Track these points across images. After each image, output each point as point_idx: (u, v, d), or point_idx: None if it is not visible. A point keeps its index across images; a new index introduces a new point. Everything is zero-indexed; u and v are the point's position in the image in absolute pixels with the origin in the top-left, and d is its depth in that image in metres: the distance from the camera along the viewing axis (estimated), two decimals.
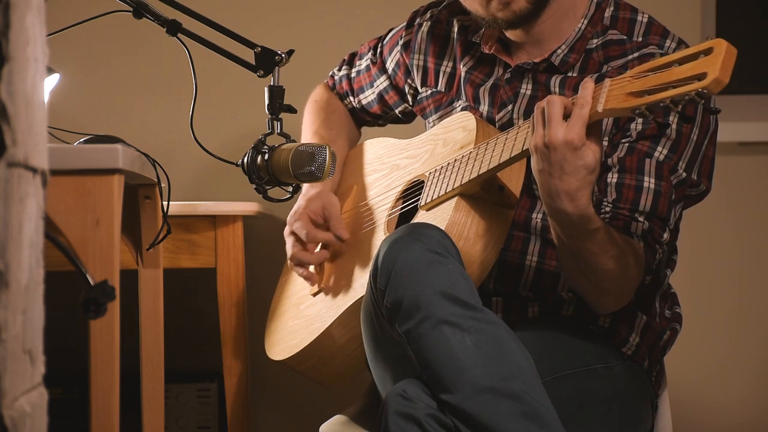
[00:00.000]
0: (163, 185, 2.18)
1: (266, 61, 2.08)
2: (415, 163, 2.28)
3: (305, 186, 2.38)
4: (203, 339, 3.20)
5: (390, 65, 2.45)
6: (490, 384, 1.82)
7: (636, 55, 2.15)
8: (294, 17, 3.26)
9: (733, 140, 3.24)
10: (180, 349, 3.14)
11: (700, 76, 1.72)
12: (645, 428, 2.17)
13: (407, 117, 2.52)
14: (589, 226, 1.92)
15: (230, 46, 2.09)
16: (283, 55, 2.08)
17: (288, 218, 2.36)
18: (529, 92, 2.21)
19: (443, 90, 2.34)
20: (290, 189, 2.09)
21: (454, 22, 2.35)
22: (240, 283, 2.78)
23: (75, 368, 2.63)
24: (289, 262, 2.37)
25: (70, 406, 3.01)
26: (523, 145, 1.96)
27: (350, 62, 2.56)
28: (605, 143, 2.11)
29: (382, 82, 2.48)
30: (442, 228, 2.01)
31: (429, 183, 2.17)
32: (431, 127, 2.34)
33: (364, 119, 2.57)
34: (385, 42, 2.48)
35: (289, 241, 2.35)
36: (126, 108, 3.25)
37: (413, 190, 2.25)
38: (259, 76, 2.09)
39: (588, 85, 1.86)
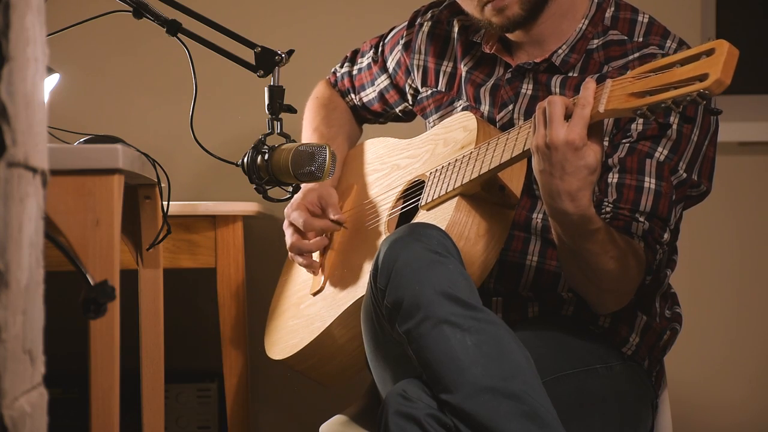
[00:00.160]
0: (163, 185, 2.18)
1: (266, 61, 2.08)
2: (416, 162, 2.28)
3: None
4: (203, 339, 3.20)
5: (391, 64, 2.46)
6: (490, 384, 1.82)
7: (637, 55, 2.15)
8: (294, 17, 3.26)
9: (733, 140, 3.24)
10: (180, 349, 3.14)
11: (702, 77, 1.72)
12: (645, 428, 2.17)
13: (407, 116, 2.52)
14: (589, 226, 1.92)
15: (230, 46, 2.09)
16: (283, 55, 2.08)
17: (285, 211, 2.36)
18: (529, 92, 2.21)
19: (444, 90, 2.34)
20: (290, 189, 2.09)
21: (455, 22, 2.35)
22: (240, 283, 2.78)
23: (75, 368, 2.63)
24: (289, 252, 2.37)
25: (70, 406, 3.01)
26: (524, 145, 1.96)
27: (352, 59, 2.56)
28: (606, 143, 2.11)
29: (382, 81, 2.48)
30: (443, 228, 2.01)
31: (429, 183, 2.17)
32: (432, 127, 2.34)
33: (365, 117, 2.58)
34: (386, 41, 2.48)
35: (288, 233, 2.35)
36: (126, 108, 3.25)
37: (414, 189, 2.25)
38: (259, 76, 2.09)
39: (589, 85, 1.86)
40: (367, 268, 2.19)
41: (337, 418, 2.23)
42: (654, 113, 1.77)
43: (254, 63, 2.08)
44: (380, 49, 2.49)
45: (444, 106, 2.33)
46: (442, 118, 2.31)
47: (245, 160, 2.04)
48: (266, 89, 2.07)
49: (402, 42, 2.42)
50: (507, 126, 2.21)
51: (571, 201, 1.88)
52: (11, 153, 1.05)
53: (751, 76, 3.37)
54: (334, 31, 3.24)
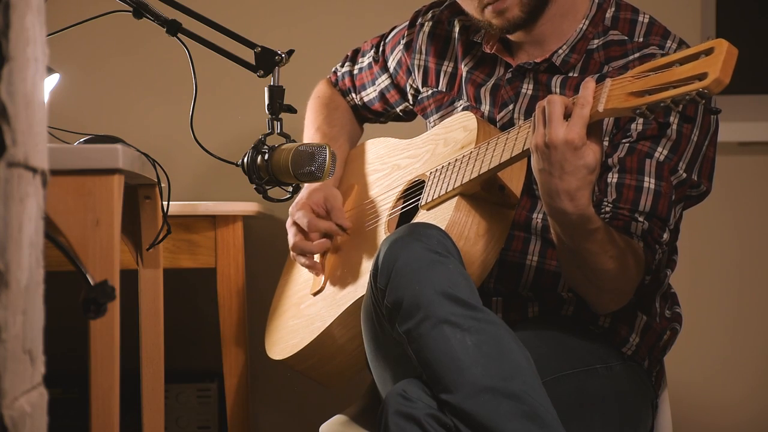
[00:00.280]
0: (163, 185, 2.18)
1: (266, 61, 2.08)
2: (416, 162, 2.28)
3: None
4: (203, 339, 3.20)
5: (391, 64, 2.46)
6: (490, 384, 1.82)
7: (637, 55, 2.15)
8: (294, 17, 3.26)
9: (733, 140, 3.24)
10: (180, 349, 3.14)
11: (701, 76, 1.72)
12: (645, 428, 2.17)
13: (408, 116, 2.52)
14: (588, 225, 1.92)
15: (230, 46, 2.09)
16: (283, 55, 2.08)
17: (290, 209, 2.36)
18: (530, 92, 2.22)
19: (444, 90, 2.34)
20: (290, 189, 2.09)
21: (456, 22, 2.35)
22: (240, 283, 2.78)
23: (75, 368, 2.63)
24: (291, 252, 2.37)
25: (70, 406, 3.01)
26: (524, 144, 1.96)
27: (353, 59, 2.56)
28: (606, 143, 2.11)
29: (383, 81, 2.48)
30: (443, 228, 2.01)
31: (430, 183, 2.17)
32: (432, 127, 2.34)
33: (365, 116, 2.58)
34: (387, 40, 2.48)
35: (291, 232, 2.35)
36: (126, 108, 3.25)
37: (414, 189, 2.25)
38: (259, 76, 2.09)
39: (589, 84, 1.86)
40: (367, 268, 2.19)
41: (337, 418, 2.23)
42: (653, 112, 1.77)
43: (254, 63, 2.08)
44: (381, 48, 2.49)
45: (444, 106, 2.33)
46: (442, 118, 2.31)
47: (245, 160, 2.04)
48: (266, 89, 2.07)
49: (403, 42, 2.42)
50: (507, 126, 2.21)
51: (570, 200, 1.88)
52: (11, 153, 1.05)
53: (751, 76, 3.37)
54: (334, 31, 3.24)
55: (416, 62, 2.39)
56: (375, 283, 1.97)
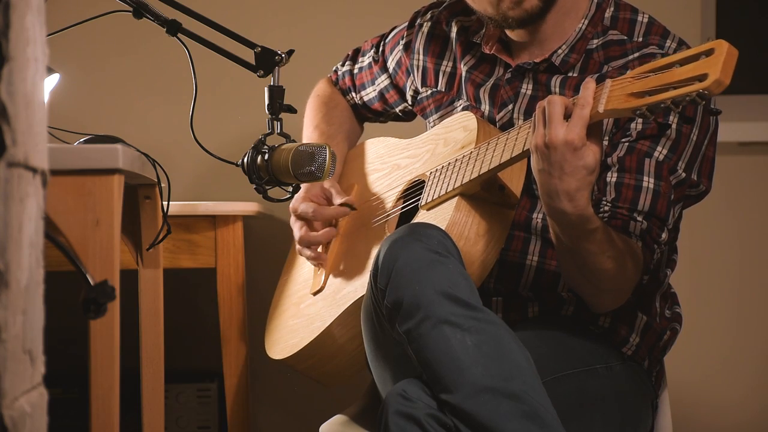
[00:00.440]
0: (163, 185, 2.18)
1: (266, 61, 2.08)
2: (416, 162, 2.28)
3: None
4: (203, 339, 3.20)
5: (391, 64, 2.46)
6: (490, 384, 1.82)
7: (636, 55, 2.15)
8: (294, 17, 3.26)
9: (733, 140, 3.24)
10: (180, 349, 3.14)
11: (701, 77, 1.72)
12: (645, 428, 2.17)
13: (407, 116, 2.52)
14: (587, 226, 1.92)
15: (230, 46, 2.09)
16: (283, 55, 2.08)
17: (291, 206, 2.36)
18: (529, 92, 2.22)
19: (443, 90, 2.34)
20: (290, 189, 2.09)
21: (454, 23, 2.35)
22: (240, 283, 2.78)
23: (75, 368, 2.63)
24: (297, 246, 2.37)
25: (70, 406, 3.01)
26: (524, 145, 1.96)
27: (353, 58, 2.56)
28: (605, 143, 2.11)
29: (383, 81, 2.48)
30: (443, 228, 2.01)
31: (430, 183, 2.17)
32: (432, 127, 2.34)
33: (365, 116, 2.58)
34: (387, 40, 2.48)
35: (296, 226, 2.36)
36: (126, 108, 3.25)
37: (414, 189, 2.25)
38: (259, 76, 2.09)
39: (589, 85, 1.86)
40: (367, 267, 2.19)
41: (337, 418, 2.23)
42: (653, 113, 1.77)
43: (254, 63, 2.08)
44: (381, 48, 2.49)
45: (444, 106, 2.33)
46: (442, 118, 2.31)
47: (245, 160, 2.04)
48: (266, 89, 2.07)
49: (402, 42, 2.42)
50: (507, 126, 2.21)
51: (569, 201, 1.88)
52: (11, 153, 1.05)
53: (751, 76, 3.37)
54: (334, 31, 3.24)
55: (415, 62, 2.39)
56: (375, 283, 1.97)
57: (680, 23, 2.89)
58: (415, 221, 2.15)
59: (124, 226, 2.00)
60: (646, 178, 2.06)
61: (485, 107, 2.25)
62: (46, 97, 1.86)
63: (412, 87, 2.42)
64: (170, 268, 2.66)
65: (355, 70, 2.54)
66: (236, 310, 2.78)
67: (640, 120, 2.07)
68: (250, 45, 2.08)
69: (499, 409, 1.80)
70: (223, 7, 3.20)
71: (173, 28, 2.09)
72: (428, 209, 2.15)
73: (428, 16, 2.40)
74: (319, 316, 2.28)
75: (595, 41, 2.19)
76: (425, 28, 2.39)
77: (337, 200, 2.33)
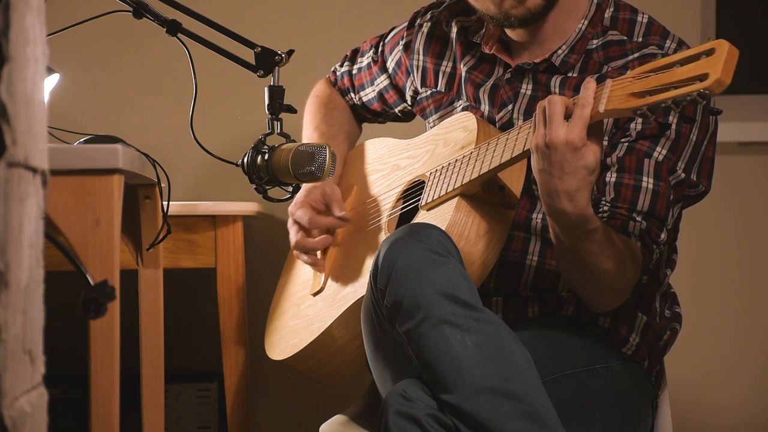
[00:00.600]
0: (163, 185, 2.18)
1: (266, 61, 2.08)
2: (416, 163, 2.28)
3: None
4: (203, 339, 3.20)
5: (390, 65, 2.46)
6: (490, 384, 1.82)
7: (636, 55, 2.15)
8: (294, 17, 3.26)
9: (733, 140, 3.24)
10: (180, 349, 3.14)
11: (702, 77, 1.72)
12: (645, 428, 2.17)
13: (406, 116, 2.52)
14: (587, 226, 1.92)
15: (230, 46, 2.09)
16: (283, 55, 2.08)
17: (289, 209, 2.36)
18: (529, 92, 2.21)
19: (443, 90, 2.34)
20: (290, 189, 2.09)
21: (453, 23, 2.35)
22: (240, 283, 2.78)
23: (75, 368, 2.63)
24: (293, 250, 2.37)
25: (70, 406, 3.01)
26: (524, 145, 1.96)
27: (352, 59, 2.56)
28: (605, 143, 2.11)
29: (382, 81, 2.48)
30: (443, 228, 2.01)
31: (430, 183, 2.17)
32: (431, 127, 2.34)
33: (364, 116, 2.58)
34: (386, 41, 2.48)
35: (292, 231, 2.36)
36: (126, 108, 3.25)
37: (414, 190, 2.25)
38: (259, 76, 2.09)
39: (590, 85, 1.86)
40: (367, 268, 2.19)
41: (337, 418, 2.23)
42: (654, 113, 1.77)
43: (254, 63, 2.08)
44: (380, 49, 2.49)
45: (444, 106, 2.33)
46: (442, 118, 2.31)
47: (245, 160, 2.04)
48: (266, 89, 2.07)
49: (402, 42, 2.42)
50: (506, 126, 2.21)
51: (569, 201, 1.88)
52: (11, 153, 1.05)
53: (751, 76, 3.37)
54: (334, 31, 3.24)
55: (415, 63, 2.39)
56: (375, 283, 1.97)
57: (680, 23, 2.89)
58: (415, 221, 2.15)
59: (124, 226, 2.00)
60: (645, 179, 2.06)
61: (485, 107, 2.25)
62: (46, 97, 1.86)
63: (412, 87, 2.42)
64: (170, 268, 2.66)
65: (354, 71, 2.54)
66: (236, 310, 2.78)
67: (639, 120, 2.07)
68: (250, 45, 2.08)
69: (499, 409, 1.80)
70: (223, 7, 3.20)
71: (173, 28, 2.09)
72: (428, 209, 2.15)
73: (428, 16, 2.40)
74: (319, 317, 2.28)
75: (595, 41, 2.19)
76: (425, 29, 2.39)
77: (336, 211, 2.33)
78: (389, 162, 2.38)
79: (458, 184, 2.07)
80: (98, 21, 2.20)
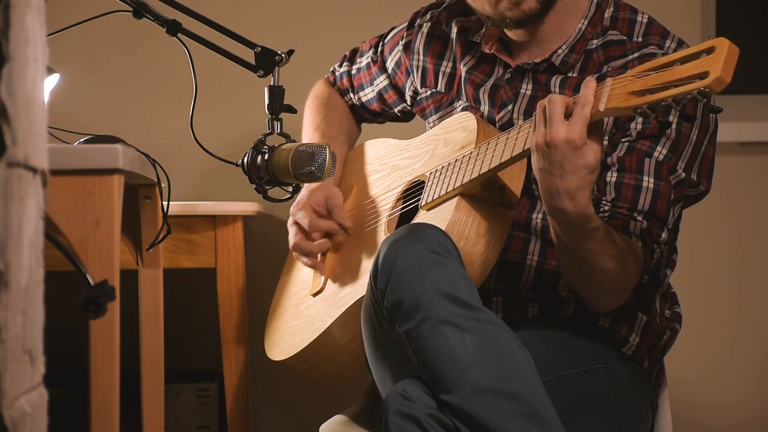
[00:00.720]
0: (163, 185, 2.18)
1: (266, 61, 2.08)
2: (416, 163, 2.28)
3: None
4: (203, 339, 3.20)
5: (390, 65, 2.46)
6: (490, 384, 1.82)
7: (636, 55, 2.15)
8: (294, 17, 3.26)
9: (733, 140, 3.24)
10: (180, 349, 3.14)
11: (702, 75, 1.72)
12: (645, 428, 2.17)
13: (406, 116, 2.52)
14: (588, 225, 1.92)
15: (230, 46, 2.09)
16: (283, 55, 2.08)
17: (291, 209, 2.36)
18: (529, 92, 2.21)
19: (443, 90, 2.34)
20: (290, 189, 2.09)
21: (453, 24, 2.35)
22: (240, 283, 2.78)
23: (75, 368, 2.63)
24: (292, 252, 2.37)
25: (70, 406, 3.01)
26: (524, 144, 1.96)
27: (351, 59, 2.56)
28: (605, 142, 2.11)
29: (381, 81, 2.48)
30: (443, 228, 2.01)
31: (429, 183, 2.17)
32: (431, 128, 2.34)
33: (363, 116, 2.58)
34: (386, 41, 2.48)
35: (292, 231, 2.36)
36: (126, 108, 3.25)
37: (414, 190, 2.25)
38: (259, 76, 2.09)
39: (590, 84, 1.86)
40: (367, 268, 2.19)
41: (337, 418, 2.23)
42: (654, 111, 1.77)
43: (254, 63, 2.08)
44: (380, 49, 2.49)
45: (444, 106, 2.33)
46: (441, 118, 2.31)
47: (245, 160, 2.04)
48: (266, 89, 2.07)
49: (402, 43, 2.42)
50: (506, 126, 2.21)
51: (570, 200, 1.88)
52: (11, 153, 1.05)
53: (751, 76, 3.37)
54: (334, 31, 3.24)
55: (415, 63, 2.39)
56: (375, 283, 1.97)
57: (680, 23, 2.89)
58: (415, 221, 2.15)
59: (124, 226, 2.00)
60: (645, 178, 2.06)
61: (485, 107, 2.25)
62: (46, 97, 1.86)
63: (412, 87, 2.42)
64: (170, 268, 2.66)
65: (353, 71, 2.54)
66: (236, 310, 2.78)
67: (639, 120, 2.07)
68: (250, 45, 2.08)
69: (499, 409, 1.80)
70: (223, 7, 3.20)
71: (173, 28, 2.09)
72: (428, 209, 2.15)
73: (428, 16, 2.40)
74: (319, 317, 2.28)
75: (595, 41, 2.19)
76: (425, 29, 2.39)
77: (337, 217, 2.33)
78: (389, 162, 2.38)
79: (458, 184, 2.07)
80: (98, 21, 2.20)
